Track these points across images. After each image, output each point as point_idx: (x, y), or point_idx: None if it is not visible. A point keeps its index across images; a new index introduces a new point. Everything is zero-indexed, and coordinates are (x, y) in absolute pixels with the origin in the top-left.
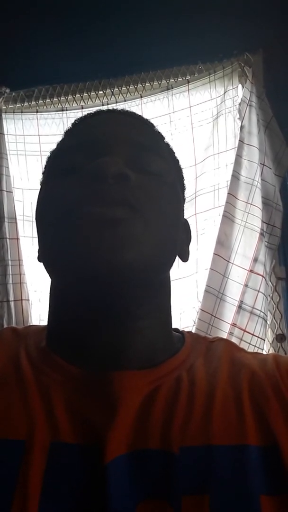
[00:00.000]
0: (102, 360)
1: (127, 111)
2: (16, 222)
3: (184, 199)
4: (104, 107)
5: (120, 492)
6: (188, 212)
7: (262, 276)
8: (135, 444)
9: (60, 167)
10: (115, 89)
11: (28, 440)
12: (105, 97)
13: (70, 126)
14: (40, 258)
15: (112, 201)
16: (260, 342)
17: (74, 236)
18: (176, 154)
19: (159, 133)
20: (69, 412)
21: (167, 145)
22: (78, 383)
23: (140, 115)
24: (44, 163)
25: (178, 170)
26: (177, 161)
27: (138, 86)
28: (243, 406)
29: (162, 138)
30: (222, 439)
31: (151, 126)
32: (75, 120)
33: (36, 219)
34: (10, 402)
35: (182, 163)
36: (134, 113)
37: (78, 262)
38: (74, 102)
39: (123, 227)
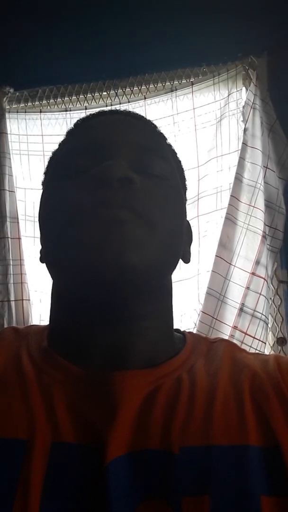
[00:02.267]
0: (104, 360)
1: (130, 112)
2: (18, 222)
3: (186, 200)
4: (108, 108)
5: (120, 492)
6: (191, 214)
7: (264, 279)
8: (136, 445)
9: (64, 169)
10: (119, 90)
11: (29, 440)
12: (109, 98)
13: (73, 126)
14: (42, 259)
15: (118, 205)
16: (261, 345)
17: (81, 238)
18: (178, 155)
19: (161, 134)
20: (70, 412)
21: (170, 146)
22: (79, 383)
23: (142, 116)
24: (46, 163)
25: (181, 171)
26: (179, 161)
27: (142, 87)
28: (244, 406)
29: (165, 139)
30: (222, 440)
31: (154, 127)
32: (77, 120)
33: (39, 220)
34: (11, 402)
35: (185, 165)
36: (137, 114)
37: (83, 263)
38: (78, 102)
39: (129, 229)
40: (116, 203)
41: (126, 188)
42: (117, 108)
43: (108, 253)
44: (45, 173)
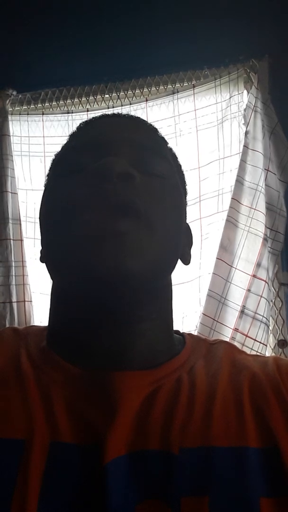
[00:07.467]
0: (103, 360)
1: (131, 115)
2: (20, 224)
3: (186, 204)
4: (110, 110)
5: (119, 492)
6: (193, 216)
7: (265, 282)
8: (135, 445)
9: (64, 167)
10: (120, 93)
11: (28, 439)
12: (110, 100)
13: (75, 129)
14: (42, 259)
15: (117, 199)
16: (262, 347)
17: (79, 233)
18: (179, 159)
19: (162, 137)
20: (69, 412)
21: (170, 149)
22: (78, 383)
23: (144, 120)
24: (48, 164)
25: (181, 174)
26: (180, 165)
27: (144, 90)
28: (243, 408)
29: (166, 142)
30: (222, 441)
31: (155, 130)
32: (80, 123)
33: (40, 219)
34: (10, 402)
35: (186, 167)
36: (138, 117)
37: (81, 260)
38: (80, 105)
39: (126, 238)
40: (115, 197)
41: (125, 183)
42: (119, 112)
43: (106, 255)
44: (47, 175)
